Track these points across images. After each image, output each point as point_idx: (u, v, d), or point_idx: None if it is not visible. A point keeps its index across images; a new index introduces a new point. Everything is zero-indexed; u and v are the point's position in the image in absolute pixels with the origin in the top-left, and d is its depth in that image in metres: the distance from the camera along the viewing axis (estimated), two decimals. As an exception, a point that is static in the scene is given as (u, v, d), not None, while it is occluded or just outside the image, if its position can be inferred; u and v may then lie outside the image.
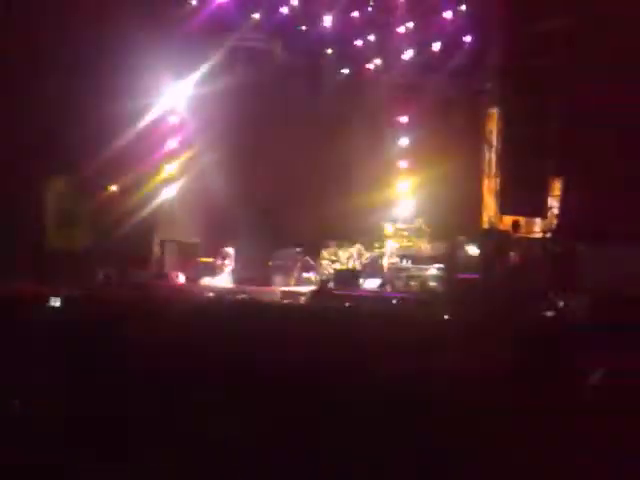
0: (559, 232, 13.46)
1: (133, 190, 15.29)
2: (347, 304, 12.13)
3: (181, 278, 15.12)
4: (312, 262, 15.37)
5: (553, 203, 13.79)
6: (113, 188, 15.38)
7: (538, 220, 14.17)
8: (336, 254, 15.22)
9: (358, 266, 15.04)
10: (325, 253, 15.29)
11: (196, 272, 15.33)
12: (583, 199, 13.15)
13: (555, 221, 13.67)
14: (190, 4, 15.45)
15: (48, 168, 14.88)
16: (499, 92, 14.82)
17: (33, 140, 14.55)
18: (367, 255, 15.20)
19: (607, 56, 12.48)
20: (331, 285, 14.20)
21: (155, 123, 15.56)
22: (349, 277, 14.54)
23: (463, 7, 15.49)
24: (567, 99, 13.65)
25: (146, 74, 14.89)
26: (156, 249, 15.51)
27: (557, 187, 13.89)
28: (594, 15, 12.76)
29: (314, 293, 12.86)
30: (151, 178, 15.61)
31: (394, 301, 12.43)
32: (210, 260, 15.46)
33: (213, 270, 15.31)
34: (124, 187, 15.32)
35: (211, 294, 13.70)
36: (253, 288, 14.42)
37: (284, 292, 14.12)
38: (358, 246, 15.35)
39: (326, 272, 15.04)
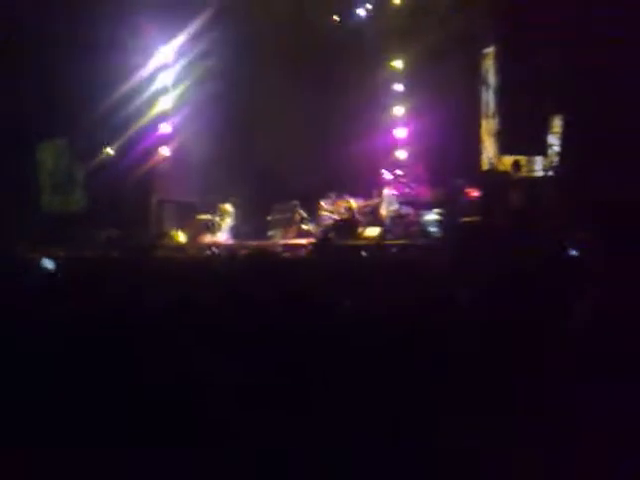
0: (560, 170, 13.25)
1: (128, 150, 15.16)
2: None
3: (181, 237, 15.06)
4: (305, 214, 15.23)
5: (553, 141, 13.51)
6: (109, 149, 15.26)
7: (539, 159, 13.90)
8: (335, 204, 15.07)
9: (357, 216, 14.90)
10: (324, 204, 15.13)
11: (196, 230, 15.25)
12: (584, 137, 12.90)
13: (556, 159, 13.42)
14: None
15: (42, 131, 14.78)
16: (495, 30, 14.45)
17: (27, 104, 14.43)
18: (366, 204, 15.05)
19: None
20: (332, 235, 14.07)
21: (147, 81, 15.38)
22: (349, 227, 14.42)
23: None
24: (564, 35, 13.32)
25: (135, 32, 14.68)
26: (154, 209, 15.40)
27: (557, 124, 13.61)
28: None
29: (315, 245, 12.74)
30: (145, 137, 15.44)
31: (394, 249, 12.30)
32: (209, 217, 15.36)
33: (212, 227, 15.23)
34: (119, 148, 15.20)
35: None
36: (254, 243, 14.35)
37: (285, 245, 14.07)
38: (357, 196, 15.21)
39: (325, 223, 14.91)
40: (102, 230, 14.17)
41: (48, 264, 8.12)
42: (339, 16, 16.32)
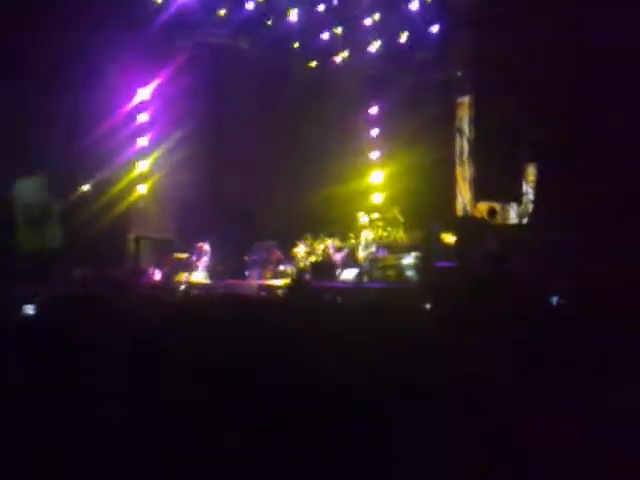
0: (535, 218, 13.60)
1: (105, 188, 15.14)
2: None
3: (157, 275, 15.00)
4: (282, 255, 15.34)
5: (528, 189, 13.89)
6: (85, 187, 15.21)
7: (514, 206, 14.26)
8: (312, 246, 15.20)
9: (334, 257, 15.04)
10: (301, 245, 15.25)
11: (172, 268, 15.21)
12: (557, 184, 13.28)
13: (530, 207, 13.79)
14: (156, 1, 15.29)
15: (18, 168, 14.67)
16: (471, 80, 14.90)
17: (2, 140, 14.33)
18: (343, 246, 15.21)
19: (580, 44, 12.61)
20: (308, 277, 14.17)
21: (125, 121, 15.43)
22: (326, 269, 14.53)
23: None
24: (539, 85, 13.77)
25: (114, 72, 14.75)
26: (131, 246, 15.34)
27: (531, 173, 14.02)
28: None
29: (291, 286, 12.79)
30: (123, 176, 15.45)
31: (373, 293, 12.42)
32: (185, 256, 15.36)
33: (189, 266, 15.22)
34: (96, 185, 15.16)
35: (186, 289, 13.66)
36: (230, 282, 14.37)
37: (261, 285, 14.10)
38: (334, 238, 15.36)
39: (302, 264, 15.02)
40: (76, 267, 14.05)
41: (29, 309, 8.03)
42: (316, 61, 16.64)
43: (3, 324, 7.00)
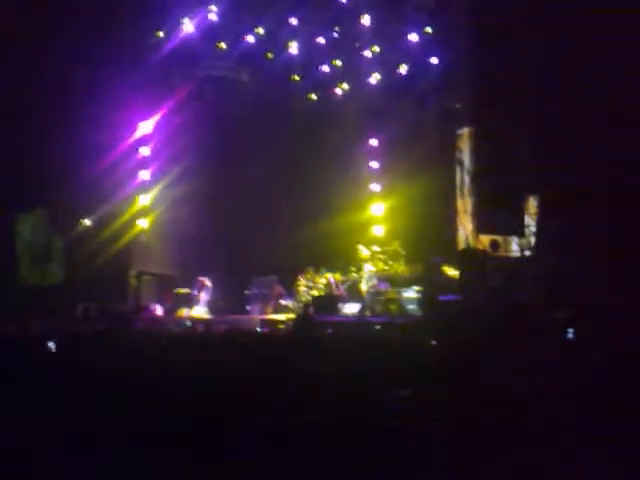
0: (537, 250, 13.58)
1: (107, 223, 15.13)
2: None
3: (158, 310, 14.95)
4: (283, 290, 15.29)
5: (530, 221, 13.88)
6: (87, 221, 15.20)
7: (515, 239, 14.24)
8: (314, 280, 15.16)
9: (336, 291, 15.00)
10: (302, 279, 15.21)
11: (173, 304, 15.17)
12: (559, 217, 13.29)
13: (532, 239, 13.78)
14: (158, 35, 15.37)
15: (20, 202, 14.67)
16: (471, 111, 14.93)
17: (4, 174, 14.34)
18: (345, 280, 15.17)
19: (580, 72, 12.69)
20: (311, 311, 14.11)
21: (126, 155, 15.44)
22: (329, 303, 14.49)
23: (429, 29, 15.66)
24: (538, 117, 13.82)
25: (116, 106, 14.78)
26: (133, 281, 15.29)
27: (532, 205, 14.02)
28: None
29: (297, 321, 12.75)
30: (124, 210, 15.43)
31: (377, 327, 12.35)
32: (187, 291, 15.31)
33: (190, 301, 15.17)
34: (98, 220, 15.15)
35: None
36: (232, 317, 14.32)
37: (263, 320, 14.04)
38: (335, 271, 15.33)
39: (304, 298, 14.97)
40: (79, 303, 14.01)
41: (51, 345, 8.28)
42: (317, 94, 16.71)
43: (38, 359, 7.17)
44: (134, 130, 15.57)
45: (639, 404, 4.97)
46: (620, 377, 5.69)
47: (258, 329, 13.03)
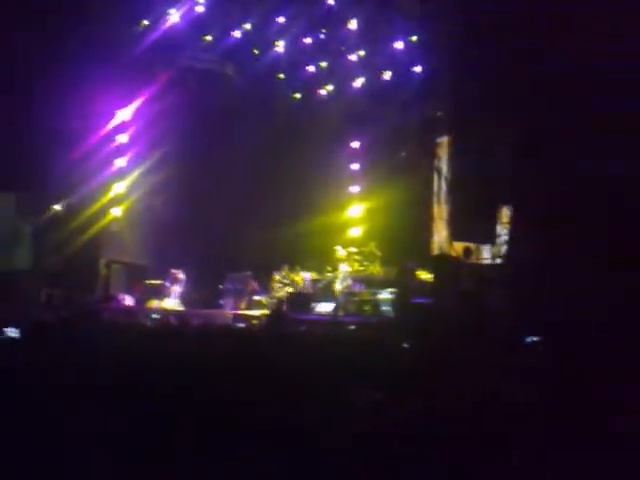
0: (508, 259, 13.72)
1: (79, 210, 14.92)
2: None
3: (128, 300, 14.76)
4: (257, 286, 15.22)
5: (502, 230, 14.03)
6: (57, 207, 14.96)
7: (488, 247, 14.39)
8: (289, 277, 15.12)
9: (311, 289, 14.98)
10: (277, 276, 15.16)
11: (143, 295, 14.98)
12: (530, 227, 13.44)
13: (504, 248, 13.92)
14: (143, 24, 15.24)
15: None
16: (450, 120, 15.08)
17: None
18: (320, 278, 15.16)
19: (561, 85, 12.87)
20: (284, 308, 14.07)
21: (103, 143, 15.26)
22: (302, 300, 14.46)
23: (414, 37, 15.78)
24: (514, 130, 13.99)
25: (95, 93, 14.61)
26: (102, 270, 15.07)
27: (505, 215, 14.17)
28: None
29: (271, 317, 12.69)
30: (98, 198, 15.24)
31: (352, 327, 12.35)
32: (158, 283, 15.13)
33: (161, 292, 15.00)
34: (69, 207, 14.93)
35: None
36: (205, 312, 14.20)
37: (236, 315, 13.96)
38: (310, 270, 15.32)
39: (278, 295, 14.91)
40: (43, 289, 13.78)
41: (13, 332, 8.08)
42: (301, 93, 16.72)
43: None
44: (111, 118, 15.40)
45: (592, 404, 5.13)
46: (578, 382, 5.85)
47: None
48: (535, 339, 10.26)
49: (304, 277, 15.08)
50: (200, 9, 15.28)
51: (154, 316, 13.69)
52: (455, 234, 14.72)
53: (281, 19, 15.58)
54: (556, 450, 4.46)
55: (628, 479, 4.24)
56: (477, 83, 14.22)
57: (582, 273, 12.11)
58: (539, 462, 4.36)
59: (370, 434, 4.62)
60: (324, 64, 16.24)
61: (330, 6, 15.66)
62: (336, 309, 14.18)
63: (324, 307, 14.33)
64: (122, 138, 15.63)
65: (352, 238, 16.00)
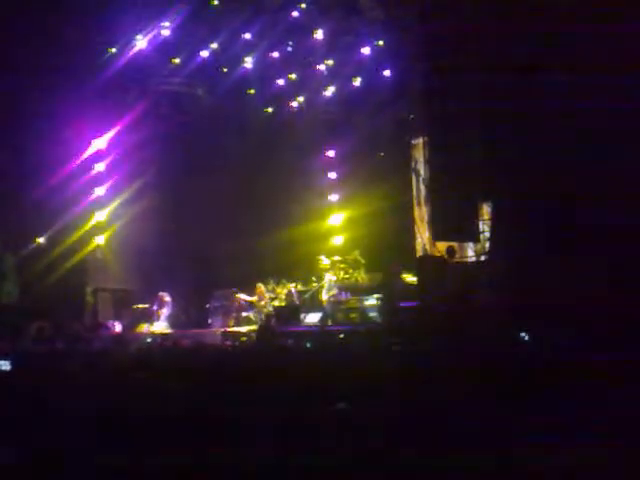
0: (491, 255, 13.74)
1: (61, 239, 14.93)
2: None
3: (117, 327, 14.76)
4: (244, 302, 15.25)
5: (484, 227, 14.06)
6: (40, 239, 14.97)
7: (471, 245, 14.42)
8: (274, 291, 15.15)
9: (297, 301, 15.01)
10: (263, 290, 15.18)
11: (132, 320, 15.00)
12: (512, 223, 13.46)
13: (487, 245, 13.95)
14: (110, 52, 15.28)
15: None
16: (424, 121, 15.12)
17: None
18: (305, 289, 15.20)
19: (532, 82, 12.92)
20: (273, 322, 14.09)
21: (79, 172, 15.28)
22: (290, 313, 14.48)
23: (381, 42, 15.86)
24: (489, 124, 14.02)
25: (71, 123, 14.64)
26: (89, 298, 15.09)
27: (486, 211, 14.21)
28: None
29: (259, 332, 12.72)
30: (79, 226, 15.25)
31: (341, 335, 12.38)
32: (145, 306, 15.16)
33: (149, 316, 15.02)
34: (51, 237, 14.94)
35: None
36: (193, 332, 14.21)
37: (225, 333, 13.95)
38: (295, 281, 15.35)
39: (265, 310, 14.93)
40: (33, 322, 13.75)
41: (3, 365, 8.06)
42: (273, 107, 16.80)
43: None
44: (87, 147, 15.43)
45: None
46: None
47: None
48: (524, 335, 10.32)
49: (290, 289, 15.10)
50: (166, 32, 15.32)
51: (147, 340, 13.68)
52: (437, 234, 14.73)
53: (247, 35, 15.64)
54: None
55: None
56: (446, 82, 14.29)
57: (564, 268, 12.16)
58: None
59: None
60: (293, 76, 16.34)
61: (295, 18, 15.73)
62: (323, 319, 14.21)
63: (312, 318, 14.36)
64: (99, 167, 15.65)
65: (335, 247, 16.07)
